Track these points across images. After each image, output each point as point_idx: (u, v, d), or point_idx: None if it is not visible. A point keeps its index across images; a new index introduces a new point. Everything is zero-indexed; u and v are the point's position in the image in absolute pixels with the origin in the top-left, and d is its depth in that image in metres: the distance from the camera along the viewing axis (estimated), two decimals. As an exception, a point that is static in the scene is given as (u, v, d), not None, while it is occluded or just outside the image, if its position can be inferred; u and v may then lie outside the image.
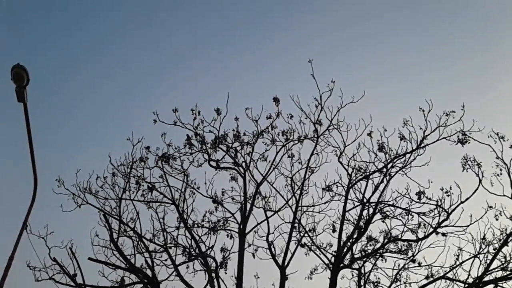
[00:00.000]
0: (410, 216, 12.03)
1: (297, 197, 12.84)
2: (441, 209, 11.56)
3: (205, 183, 12.84)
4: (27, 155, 10.37)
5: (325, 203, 12.96)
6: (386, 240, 12.20)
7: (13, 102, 9.48)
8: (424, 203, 11.81)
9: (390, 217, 12.20)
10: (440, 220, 11.56)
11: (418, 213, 11.95)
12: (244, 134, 13.23)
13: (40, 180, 10.99)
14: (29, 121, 10.07)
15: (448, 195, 11.51)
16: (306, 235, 12.76)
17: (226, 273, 12.11)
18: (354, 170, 12.86)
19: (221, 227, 12.72)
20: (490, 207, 11.37)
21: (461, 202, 11.32)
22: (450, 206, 11.44)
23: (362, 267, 12.34)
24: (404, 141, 12.44)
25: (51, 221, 11.62)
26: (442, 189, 11.57)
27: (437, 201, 11.63)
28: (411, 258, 12.08)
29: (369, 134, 12.68)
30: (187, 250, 12.07)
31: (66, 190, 12.17)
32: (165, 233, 12.17)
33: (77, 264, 11.22)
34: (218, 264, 12.02)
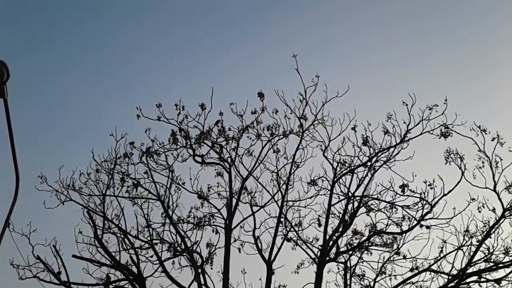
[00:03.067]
0: (394, 209, 12.18)
1: (283, 192, 12.85)
2: (424, 201, 11.71)
3: (190, 179, 12.80)
4: (8, 152, 10.21)
5: (310, 197, 12.99)
6: (371, 233, 12.31)
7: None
8: (408, 196, 11.96)
9: (374, 211, 12.32)
10: (424, 213, 11.73)
11: (402, 206, 12.08)
12: (229, 129, 13.19)
13: (22, 177, 10.81)
14: (10, 117, 9.91)
15: (431, 188, 11.67)
16: (292, 229, 12.80)
17: (212, 268, 12.11)
18: (339, 164, 12.93)
19: (207, 222, 12.69)
20: (473, 199, 11.55)
21: (444, 195, 11.49)
22: (434, 198, 11.62)
23: (348, 261, 12.44)
24: (388, 135, 12.54)
25: (34, 218, 11.49)
26: (425, 182, 11.73)
27: (420, 194, 11.78)
28: (396, 251, 12.21)
29: (354, 128, 12.75)
30: (173, 246, 12.01)
31: (49, 187, 12.02)
32: (150, 229, 12.11)
33: (61, 261, 11.13)
34: (204, 259, 12.00)
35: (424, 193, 11.72)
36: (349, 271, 12.32)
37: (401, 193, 12.00)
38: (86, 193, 12.12)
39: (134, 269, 11.46)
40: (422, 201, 11.75)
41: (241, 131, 13.16)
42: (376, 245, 12.54)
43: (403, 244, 12.17)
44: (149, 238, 11.96)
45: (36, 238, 11.20)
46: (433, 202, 11.59)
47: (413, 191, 11.87)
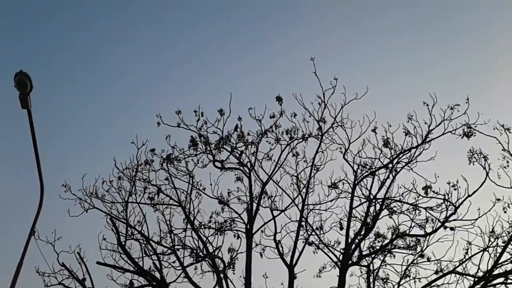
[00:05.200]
0: (417, 211, 12.00)
1: (303, 196, 12.82)
2: (448, 203, 11.50)
3: (211, 184, 12.85)
4: (33, 162, 10.41)
5: (331, 200, 12.95)
6: (394, 236, 12.14)
7: (17, 109, 9.53)
8: (431, 197, 11.76)
9: (397, 213, 12.16)
10: (448, 214, 11.50)
11: (425, 208, 11.90)
12: (248, 134, 13.22)
13: (46, 186, 11.03)
14: (34, 127, 10.11)
15: (455, 189, 11.44)
16: (313, 233, 12.72)
17: (234, 273, 12.11)
18: (360, 166, 12.84)
19: (228, 227, 12.72)
20: (498, 199, 11.27)
21: (469, 196, 11.24)
22: (458, 200, 11.39)
23: (371, 264, 12.30)
24: (409, 136, 12.42)
25: (58, 226, 11.66)
26: (449, 183, 11.51)
27: (444, 195, 11.57)
28: (420, 253, 12.02)
29: (374, 130, 12.66)
30: (195, 251, 12.06)
31: (73, 195, 12.19)
32: (172, 235, 12.18)
33: (85, 268, 11.22)
34: (226, 264, 12.01)
35: (448, 194, 11.53)
36: (372, 275, 12.18)
37: (424, 195, 11.81)
38: (109, 201, 12.28)
39: (157, 274, 11.53)
40: (446, 203, 11.54)
41: (260, 136, 13.18)
42: (399, 247, 12.37)
43: (427, 246, 11.98)
44: (171, 244, 12.04)
45: (61, 245, 11.37)
46: (458, 203, 11.37)
47: (436, 193, 11.70)
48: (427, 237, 11.93)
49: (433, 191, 11.75)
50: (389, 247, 12.22)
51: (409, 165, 12.34)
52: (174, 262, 11.79)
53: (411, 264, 12.10)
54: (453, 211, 11.46)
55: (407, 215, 12.12)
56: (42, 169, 10.42)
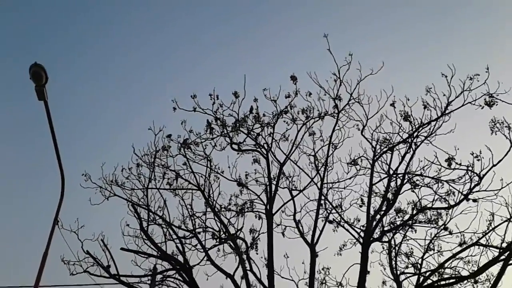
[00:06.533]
0: (440, 184, 11.82)
1: (322, 174, 12.73)
2: (473, 173, 11.24)
3: (229, 167, 12.83)
4: (52, 152, 10.52)
5: (350, 178, 12.87)
6: (415, 211, 12.01)
7: (35, 101, 9.62)
8: (454, 169, 11.53)
9: (419, 186, 12.00)
10: (472, 186, 11.29)
11: (447, 181, 11.72)
12: (264, 115, 13.10)
13: (67, 176, 11.17)
14: (51, 118, 10.19)
15: (478, 160, 11.20)
16: (333, 211, 12.68)
17: (257, 253, 12.16)
18: (378, 142, 12.68)
19: (248, 209, 12.73)
20: (522, 169, 11.06)
21: (494, 165, 10.96)
22: (482, 170, 11.14)
23: (392, 239, 12.21)
24: (428, 109, 12.18)
25: (81, 215, 11.79)
26: (472, 154, 11.22)
27: (467, 166, 11.33)
28: (444, 226, 11.88)
29: (392, 105, 12.43)
30: (216, 233, 12.11)
31: (93, 184, 12.24)
32: (193, 219, 12.23)
33: (110, 255, 11.34)
34: (248, 245, 12.05)
35: (471, 165, 11.28)
36: (394, 250, 12.10)
37: (448, 167, 11.60)
38: (129, 188, 12.31)
39: (180, 258, 11.62)
40: (470, 173, 11.31)
41: (276, 116, 13.06)
42: (420, 222, 12.25)
43: (450, 219, 11.82)
44: (192, 228, 12.08)
45: (84, 233, 11.49)
46: (482, 174, 11.13)
47: (459, 164, 11.47)
48: (450, 210, 11.78)
49: (456, 163, 11.52)
50: (411, 222, 12.11)
51: (429, 138, 12.14)
52: (196, 245, 11.86)
53: (434, 238, 11.98)
54: (477, 182, 11.25)
55: (430, 187, 11.96)
56: (62, 160, 10.53)
